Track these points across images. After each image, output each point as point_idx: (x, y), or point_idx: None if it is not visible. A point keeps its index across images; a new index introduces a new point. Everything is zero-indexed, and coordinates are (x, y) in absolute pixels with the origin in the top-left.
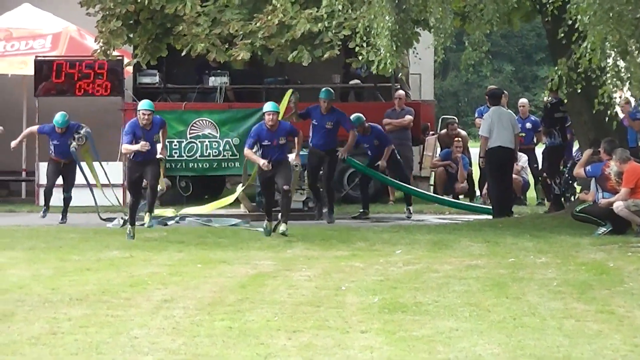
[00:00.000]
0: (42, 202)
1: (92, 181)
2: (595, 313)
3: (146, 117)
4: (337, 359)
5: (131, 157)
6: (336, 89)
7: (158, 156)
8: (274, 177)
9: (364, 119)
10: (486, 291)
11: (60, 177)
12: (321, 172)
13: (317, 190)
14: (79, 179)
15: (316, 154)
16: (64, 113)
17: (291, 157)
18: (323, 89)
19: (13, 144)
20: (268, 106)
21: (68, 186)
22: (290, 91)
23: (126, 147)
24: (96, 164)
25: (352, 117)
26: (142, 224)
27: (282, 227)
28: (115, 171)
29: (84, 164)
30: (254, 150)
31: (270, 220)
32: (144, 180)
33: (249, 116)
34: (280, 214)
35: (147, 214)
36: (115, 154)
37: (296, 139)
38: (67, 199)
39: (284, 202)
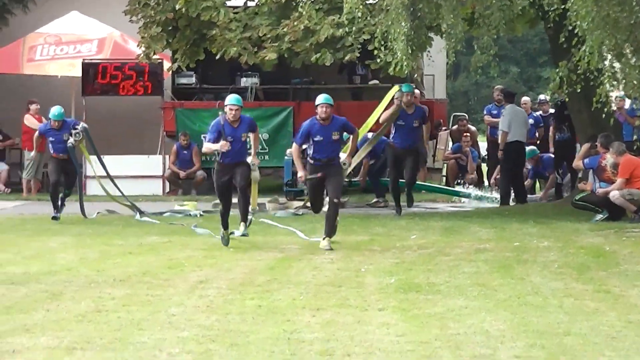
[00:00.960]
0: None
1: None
2: (593, 292)
3: (233, 112)
4: (357, 334)
5: (219, 159)
6: (351, 89)
7: (250, 162)
8: (323, 183)
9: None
10: (493, 272)
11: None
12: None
13: (398, 190)
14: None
15: (399, 152)
16: (60, 107)
17: (342, 156)
18: (405, 84)
19: (32, 154)
20: (320, 98)
21: (68, 184)
22: (396, 87)
23: (207, 146)
24: (94, 158)
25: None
26: (232, 232)
27: (324, 243)
28: (155, 164)
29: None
30: (302, 147)
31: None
32: (233, 182)
33: (278, 114)
34: (325, 226)
35: (242, 223)
36: (155, 148)
37: (352, 136)
38: (65, 196)
39: (330, 213)
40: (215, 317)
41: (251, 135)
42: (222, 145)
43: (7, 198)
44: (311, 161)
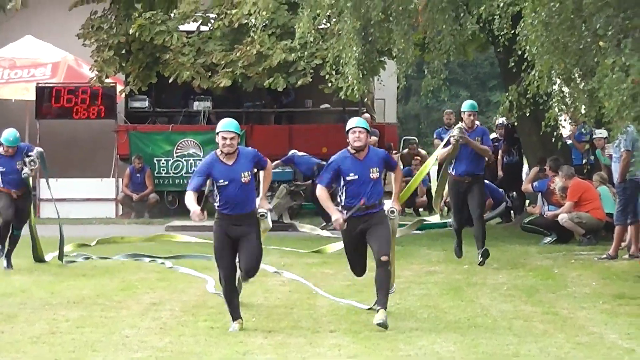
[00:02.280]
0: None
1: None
2: (542, 314)
3: (227, 141)
4: (309, 356)
5: (217, 207)
6: (306, 113)
7: (259, 210)
8: (364, 238)
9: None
10: (443, 295)
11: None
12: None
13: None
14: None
15: (461, 182)
16: (14, 130)
17: (388, 203)
18: (469, 102)
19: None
20: (353, 122)
21: (19, 223)
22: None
23: (187, 201)
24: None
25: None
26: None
27: (380, 316)
28: (108, 187)
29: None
30: (330, 189)
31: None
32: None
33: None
34: (377, 294)
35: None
36: (108, 171)
37: (394, 174)
38: (15, 238)
39: (381, 276)
40: (168, 338)
41: (261, 173)
42: (193, 216)
43: None
44: (344, 212)
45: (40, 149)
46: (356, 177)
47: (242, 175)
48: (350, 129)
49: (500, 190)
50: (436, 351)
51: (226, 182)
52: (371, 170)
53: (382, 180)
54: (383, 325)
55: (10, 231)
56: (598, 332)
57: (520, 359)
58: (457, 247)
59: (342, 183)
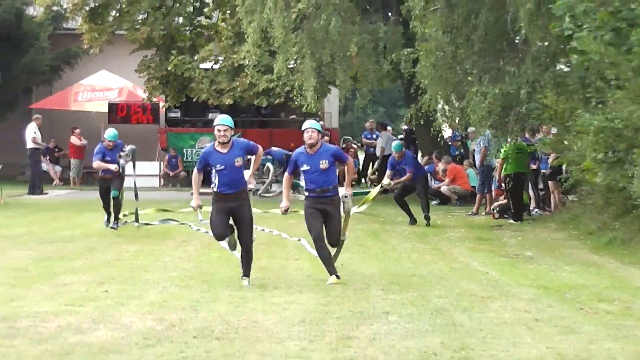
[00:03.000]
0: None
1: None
2: (430, 250)
3: (222, 132)
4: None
5: (214, 187)
6: (280, 121)
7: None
8: (322, 214)
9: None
10: (367, 237)
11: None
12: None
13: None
14: None
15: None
16: (114, 130)
17: (342, 190)
18: (396, 143)
19: (113, 167)
20: (306, 124)
21: (116, 190)
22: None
23: (194, 182)
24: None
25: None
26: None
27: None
28: (154, 167)
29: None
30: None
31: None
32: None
33: (233, 136)
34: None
35: (245, 278)
36: (153, 157)
37: (346, 166)
38: (116, 201)
39: (335, 252)
40: (192, 263)
41: (252, 158)
42: (193, 204)
43: (60, 188)
44: (306, 193)
45: (133, 147)
46: (309, 167)
47: (235, 160)
48: (305, 129)
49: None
50: (362, 273)
51: (223, 167)
52: (321, 162)
53: (335, 170)
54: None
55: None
56: (465, 262)
57: (416, 277)
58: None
59: (301, 172)
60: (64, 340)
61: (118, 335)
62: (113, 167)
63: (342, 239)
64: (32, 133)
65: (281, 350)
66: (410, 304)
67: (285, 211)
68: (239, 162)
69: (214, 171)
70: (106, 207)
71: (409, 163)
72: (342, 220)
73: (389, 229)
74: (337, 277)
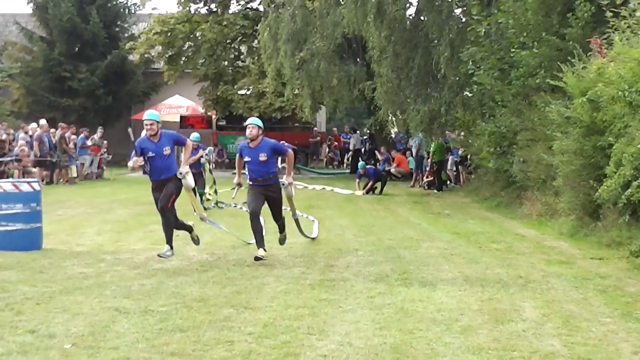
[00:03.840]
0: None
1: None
2: (384, 209)
3: (148, 126)
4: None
5: (149, 177)
6: (289, 127)
7: (180, 171)
8: (264, 199)
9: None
10: (344, 202)
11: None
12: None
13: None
14: None
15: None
16: (197, 134)
17: (283, 178)
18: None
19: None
20: (248, 120)
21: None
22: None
23: (129, 163)
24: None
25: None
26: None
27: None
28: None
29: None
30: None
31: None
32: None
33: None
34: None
35: (167, 245)
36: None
37: (287, 157)
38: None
39: (281, 235)
40: (234, 219)
41: (183, 148)
42: (134, 162)
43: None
44: (250, 182)
45: (211, 148)
46: (249, 159)
47: (164, 149)
48: (247, 124)
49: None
50: (340, 224)
51: (153, 154)
52: (260, 155)
53: (274, 161)
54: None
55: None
56: (406, 216)
57: (375, 227)
58: None
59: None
60: (150, 266)
61: (184, 263)
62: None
63: (295, 217)
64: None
65: (288, 273)
66: (371, 244)
67: (238, 185)
68: (167, 151)
69: (146, 159)
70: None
71: (373, 173)
72: (289, 203)
73: (357, 197)
74: (264, 250)
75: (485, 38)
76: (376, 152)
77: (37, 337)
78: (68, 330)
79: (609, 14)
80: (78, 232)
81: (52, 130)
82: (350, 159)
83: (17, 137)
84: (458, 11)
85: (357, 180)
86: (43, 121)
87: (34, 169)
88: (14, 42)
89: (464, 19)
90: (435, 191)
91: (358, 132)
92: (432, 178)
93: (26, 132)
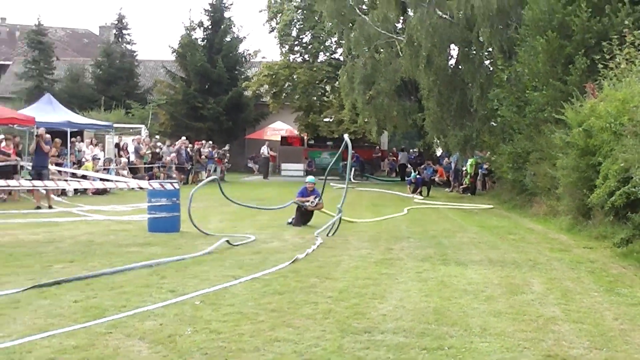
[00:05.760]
0: None
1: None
2: (431, 211)
3: (309, 184)
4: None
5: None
6: (360, 146)
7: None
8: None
9: None
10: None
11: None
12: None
13: None
14: None
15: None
16: (313, 177)
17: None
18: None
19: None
20: (307, 178)
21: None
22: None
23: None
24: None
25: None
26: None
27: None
28: (301, 167)
29: None
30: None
31: None
32: None
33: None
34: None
35: None
36: (300, 161)
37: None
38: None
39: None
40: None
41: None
42: (299, 200)
43: (255, 175)
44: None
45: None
46: (303, 197)
47: (314, 197)
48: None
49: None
50: (396, 225)
51: (306, 197)
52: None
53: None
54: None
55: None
56: (445, 213)
57: (418, 221)
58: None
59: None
60: (257, 246)
61: (281, 244)
62: (308, 203)
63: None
64: (265, 149)
65: (358, 253)
66: (419, 233)
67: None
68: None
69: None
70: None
71: (421, 180)
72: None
73: (408, 197)
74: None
75: (506, 82)
76: (421, 166)
77: (176, 295)
78: (197, 291)
79: (600, 65)
80: (205, 219)
81: (189, 145)
82: (398, 170)
83: (163, 150)
84: (487, 62)
85: (408, 185)
86: (182, 138)
87: (174, 173)
88: (162, 81)
89: (491, 68)
90: (469, 194)
91: (405, 151)
92: (466, 185)
93: (169, 146)
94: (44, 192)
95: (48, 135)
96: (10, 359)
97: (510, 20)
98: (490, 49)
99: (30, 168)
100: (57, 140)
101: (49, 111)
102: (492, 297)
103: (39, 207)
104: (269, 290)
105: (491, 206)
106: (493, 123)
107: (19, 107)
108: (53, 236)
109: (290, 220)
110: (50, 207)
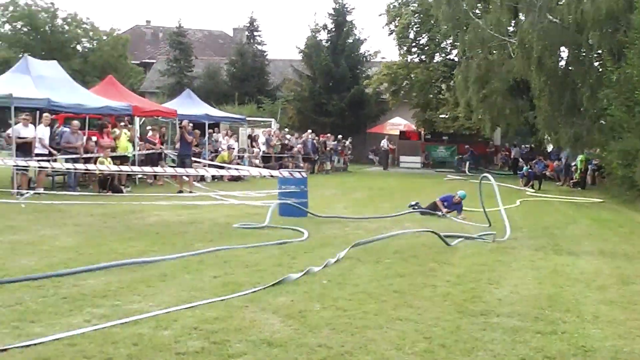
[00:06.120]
0: None
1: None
2: (537, 202)
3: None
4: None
5: None
6: (474, 141)
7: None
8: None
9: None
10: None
11: None
12: None
13: None
14: None
15: None
16: (464, 191)
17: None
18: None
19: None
20: (461, 192)
21: None
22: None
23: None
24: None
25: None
26: None
27: None
28: (418, 159)
29: None
30: None
31: None
32: None
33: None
34: None
35: None
36: (417, 154)
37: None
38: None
39: None
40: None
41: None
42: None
43: (376, 165)
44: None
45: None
46: (450, 208)
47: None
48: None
49: None
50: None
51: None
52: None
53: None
54: None
55: None
56: (557, 206)
57: (531, 213)
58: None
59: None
60: (379, 232)
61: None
62: (440, 213)
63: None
64: (385, 142)
65: (474, 242)
66: (533, 224)
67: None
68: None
69: None
70: None
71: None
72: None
73: (521, 190)
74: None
75: (616, 83)
76: (533, 161)
77: (306, 274)
78: (324, 270)
79: None
80: (330, 206)
81: (316, 137)
82: (511, 164)
83: (292, 141)
84: (596, 64)
85: (520, 179)
86: (309, 131)
87: (302, 163)
88: (290, 79)
89: (600, 69)
90: (579, 188)
91: (517, 147)
92: (577, 180)
93: (297, 139)
94: (186, 178)
95: (191, 126)
96: (159, 325)
97: (619, 24)
98: (599, 52)
99: (173, 156)
100: (197, 131)
101: (189, 105)
102: (603, 286)
103: (181, 192)
104: (390, 273)
105: (602, 200)
106: (602, 122)
107: (162, 101)
108: (194, 217)
109: (413, 203)
110: (190, 191)
